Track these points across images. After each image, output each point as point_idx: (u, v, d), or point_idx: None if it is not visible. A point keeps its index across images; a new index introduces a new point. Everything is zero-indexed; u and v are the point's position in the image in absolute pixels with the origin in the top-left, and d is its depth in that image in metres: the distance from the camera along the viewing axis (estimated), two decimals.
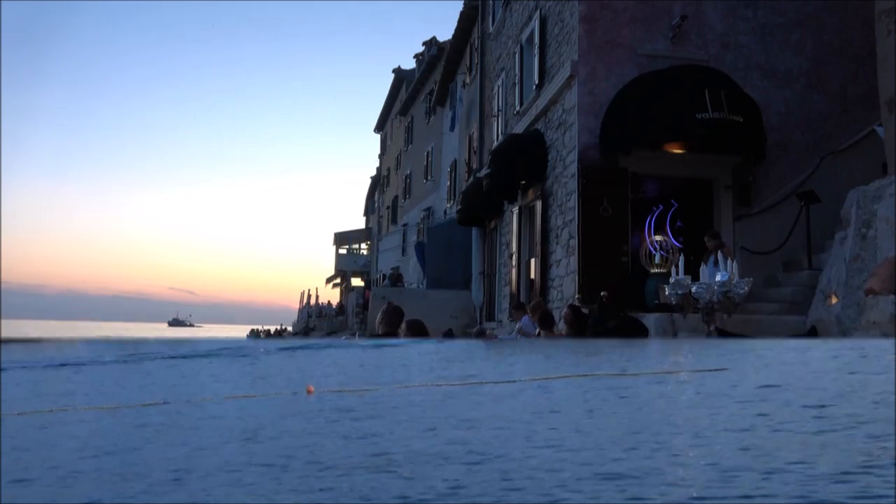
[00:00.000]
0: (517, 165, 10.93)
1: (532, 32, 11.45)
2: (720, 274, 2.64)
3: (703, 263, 6.10)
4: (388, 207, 32.51)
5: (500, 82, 14.06)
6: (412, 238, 24.93)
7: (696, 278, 2.87)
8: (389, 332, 5.33)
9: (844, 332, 5.92)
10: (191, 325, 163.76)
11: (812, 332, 4.52)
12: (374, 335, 5.46)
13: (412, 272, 22.79)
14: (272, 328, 38.65)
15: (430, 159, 23.93)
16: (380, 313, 5.45)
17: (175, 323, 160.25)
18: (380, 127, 37.43)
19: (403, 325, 5.75)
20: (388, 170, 33.98)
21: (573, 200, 9.10)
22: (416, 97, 26.58)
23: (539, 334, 7.71)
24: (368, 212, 42.72)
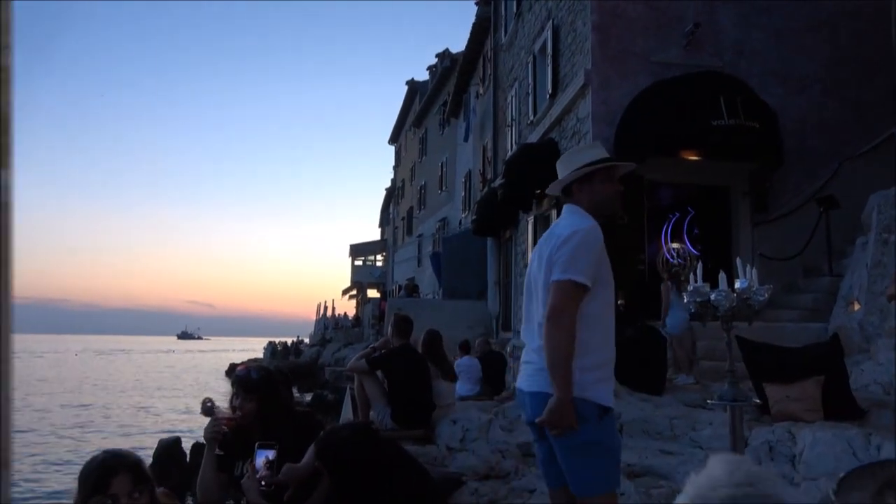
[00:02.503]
0: (531, 175, 10.91)
1: (545, 42, 11.48)
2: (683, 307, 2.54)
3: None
4: (403, 219, 32.60)
5: (513, 92, 14.08)
6: (427, 249, 24.96)
7: (714, 286, 2.84)
8: (404, 342, 5.32)
9: (868, 339, 5.84)
10: (199, 338, 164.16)
11: (834, 340, 4.47)
12: (391, 347, 5.43)
13: (428, 283, 22.81)
14: (289, 340, 38.75)
15: (444, 170, 23.99)
16: (389, 326, 5.45)
17: (184, 336, 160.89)
18: (394, 139, 37.64)
19: (422, 337, 5.75)
20: (403, 181, 34.10)
21: None
22: (430, 109, 26.71)
23: None
24: (384, 223, 42.88)
